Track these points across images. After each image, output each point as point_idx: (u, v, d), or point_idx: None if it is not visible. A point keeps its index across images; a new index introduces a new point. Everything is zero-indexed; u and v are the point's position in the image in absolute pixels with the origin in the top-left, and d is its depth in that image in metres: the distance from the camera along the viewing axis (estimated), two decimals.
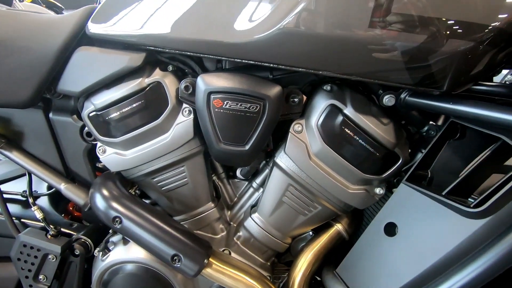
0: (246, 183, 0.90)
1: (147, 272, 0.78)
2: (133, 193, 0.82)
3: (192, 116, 0.74)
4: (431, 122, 0.72)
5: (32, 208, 0.86)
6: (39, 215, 0.85)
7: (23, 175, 1.01)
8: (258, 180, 0.86)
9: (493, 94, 0.64)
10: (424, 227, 0.61)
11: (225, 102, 0.66)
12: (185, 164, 0.79)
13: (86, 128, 0.82)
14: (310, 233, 0.86)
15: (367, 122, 0.67)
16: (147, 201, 0.88)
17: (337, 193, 0.73)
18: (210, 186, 0.85)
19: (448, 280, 0.55)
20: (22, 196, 0.93)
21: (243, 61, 0.64)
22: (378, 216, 0.69)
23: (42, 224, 0.86)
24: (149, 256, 0.77)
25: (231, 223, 0.89)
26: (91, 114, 0.75)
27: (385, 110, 0.70)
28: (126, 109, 0.73)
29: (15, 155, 0.84)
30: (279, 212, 0.80)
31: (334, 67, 0.61)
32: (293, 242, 0.86)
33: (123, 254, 0.78)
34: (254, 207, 0.86)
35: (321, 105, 0.69)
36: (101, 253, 0.80)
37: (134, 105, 0.72)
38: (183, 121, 0.74)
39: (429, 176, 0.69)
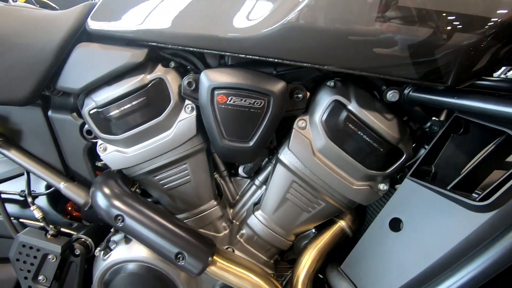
0: (248, 181, 0.90)
1: (150, 271, 0.77)
2: (134, 191, 0.81)
3: (194, 113, 0.73)
4: (433, 118, 0.72)
5: (31, 208, 0.84)
6: (38, 214, 0.83)
7: (20, 174, 0.99)
8: (261, 177, 0.86)
9: (496, 89, 0.65)
10: (430, 221, 0.61)
11: (229, 98, 0.66)
12: (188, 162, 0.78)
13: (86, 126, 0.80)
14: (313, 230, 0.86)
15: (371, 118, 0.67)
16: (149, 200, 0.87)
17: (341, 189, 0.73)
18: (213, 184, 0.84)
19: (454, 274, 0.55)
20: (20, 196, 0.92)
21: (247, 56, 0.63)
22: (382, 211, 0.69)
23: (41, 224, 0.85)
24: (152, 255, 0.76)
25: (234, 221, 0.88)
26: (91, 111, 0.74)
27: (388, 106, 0.70)
28: (128, 106, 0.72)
29: (13, 154, 0.83)
30: (283, 209, 0.79)
31: (339, 61, 0.60)
32: (296, 240, 0.86)
33: (125, 253, 0.77)
34: (256, 204, 0.86)
35: (325, 101, 0.69)
36: (102, 252, 0.79)
37: (135, 101, 0.71)
38: (186, 118, 0.73)
39: (433, 171, 0.69)
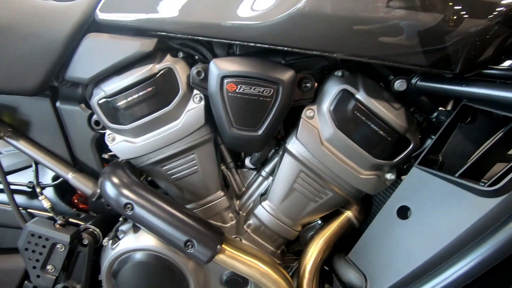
0: (255, 172, 0.90)
1: (158, 260, 0.78)
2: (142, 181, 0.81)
3: (203, 102, 0.74)
4: (440, 108, 0.72)
5: (40, 198, 0.85)
6: (46, 204, 0.84)
7: (28, 167, 1.00)
8: (268, 168, 0.86)
9: (503, 77, 0.65)
10: (438, 208, 0.61)
11: (239, 86, 0.66)
12: (195, 152, 0.79)
13: (94, 117, 0.81)
14: (319, 222, 0.86)
15: (379, 107, 0.68)
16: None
17: (349, 179, 0.74)
18: (220, 175, 0.85)
19: (462, 259, 0.56)
20: (28, 187, 0.92)
21: (256, 45, 0.64)
22: (390, 200, 0.70)
23: (49, 215, 0.85)
24: (160, 244, 0.76)
25: (240, 212, 0.88)
26: (100, 101, 0.75)
27: (396, 96, 0.70)
28: (137, 95, 0.72)
29: (22, 145, 0.84)
30: (290, 199, 0.80)
31: (348, 49, 0.61)
32: (302, 231, 0.86)
33: (134, 242, 0.77)
34: (263, 195, 0.86)
35: (333, 90, 0.69)
36: (110, 241, 0.79)
37: (144, 91, 0.72)
38: (194, 108, 0.74)
39: (440, 160, 0.69)
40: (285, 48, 0.62)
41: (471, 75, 0.62)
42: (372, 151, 0.71)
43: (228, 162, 0.89)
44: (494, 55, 0.59)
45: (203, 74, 0.71)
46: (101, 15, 0.72)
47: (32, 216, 0.88)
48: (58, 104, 0.82)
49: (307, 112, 0.72)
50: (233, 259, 0.72)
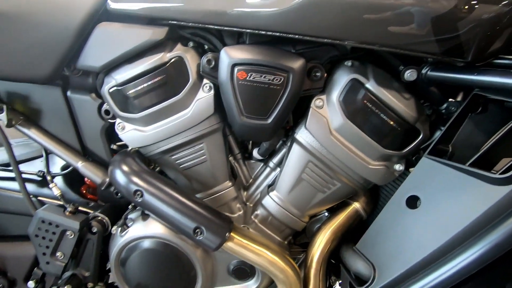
0: (262, 164, 0.91)
1: (166, 248, 0.78)
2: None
3: (212, 92, 0.74)
4: (450, 99, 0.72)
5: (50, 185, 0.86)
6: (56, 192, 0.85)
7: (38, 156, 1.01)
8: (275, 159, 0.86)
9: None
10: (448, 197, 0.61)
11: (249, 74, 0.66)
12: (204, 141, 0.79)
13: (104, 106, 0.82)
14: (326, 214, 0.87)
15: (389, 96, 0.68)
16: None
17: (357, 169, 0.74)
18: (228, 165, 0.85)
19: (472, 247, 0.56)
20: (38, 175, 0.93)
21: (267, 33, 0.64)
22: (399, 190, 0.69)
23: (58, 203, 0.86)
24: (169, 232, 0.77)
25: (248, 203, 0.89)
26: (111, 90, 0.75)
27: (406, 86, 0.70)
28: (147, 84, 0.73)
29: (33, 133, 0.85)
30: (298, 190, 0.80)
31: (359, 36, 0.61)
32: (308, 223, 0.87)
33: (142, 230, 0.78)
34: (270, 186, 0.86)
35: (343, 79, 0.69)
36: (119, 229, 0.80)
37: (155, 79, 0.72)
38: (204, 97, 0.74)
39: (449, 150, 0.69)
40: (296, 36, 0.63)
41: (482, 64, 0.61)
42: (382, 141, 0.70)
43: (236, 154, 0.90)
44: (506, 44, 0.59)
45: (213, 63, 0.71)
46: (113, 5, 0.73)
47: (42, 204, 0.89)
48: (69, 93, 0.83)
49: (316, 102, 0.72)
50: (241, 247, 0.72)
